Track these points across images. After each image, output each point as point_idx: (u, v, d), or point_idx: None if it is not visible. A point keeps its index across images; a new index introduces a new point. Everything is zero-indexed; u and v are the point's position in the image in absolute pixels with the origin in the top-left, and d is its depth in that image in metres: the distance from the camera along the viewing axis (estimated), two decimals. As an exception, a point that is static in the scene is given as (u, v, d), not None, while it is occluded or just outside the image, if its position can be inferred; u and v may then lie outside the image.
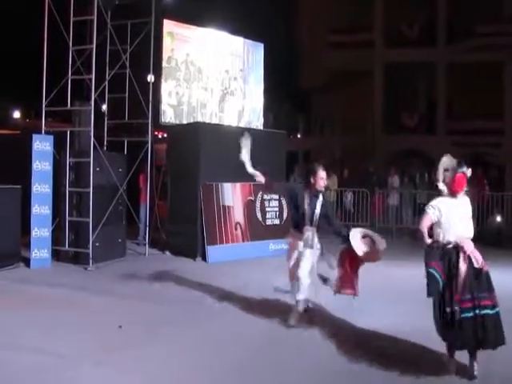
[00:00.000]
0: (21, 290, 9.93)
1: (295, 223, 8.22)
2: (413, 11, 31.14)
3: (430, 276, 6.27)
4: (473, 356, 6.16)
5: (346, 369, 6.44)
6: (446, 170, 6.53)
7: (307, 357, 6.80)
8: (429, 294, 6.26)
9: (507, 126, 29.87)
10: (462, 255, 6.23)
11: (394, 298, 9.70)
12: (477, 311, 6.06)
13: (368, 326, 7.96)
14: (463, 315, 6.05)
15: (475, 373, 6.11)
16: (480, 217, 18.24)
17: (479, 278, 6.21)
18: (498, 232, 17.19)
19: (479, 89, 28.37)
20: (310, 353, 6.96)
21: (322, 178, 7.92)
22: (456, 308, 6.07)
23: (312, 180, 7.86)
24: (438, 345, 6.58)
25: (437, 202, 6.47)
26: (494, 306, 6.16)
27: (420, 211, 18.71)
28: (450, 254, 6.27)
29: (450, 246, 6.30)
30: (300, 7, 32.29)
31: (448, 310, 6.13)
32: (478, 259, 6.25)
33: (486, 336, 6.05)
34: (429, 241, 6.43)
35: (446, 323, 6.18)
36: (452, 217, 6.34)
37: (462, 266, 6.18)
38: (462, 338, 6.11)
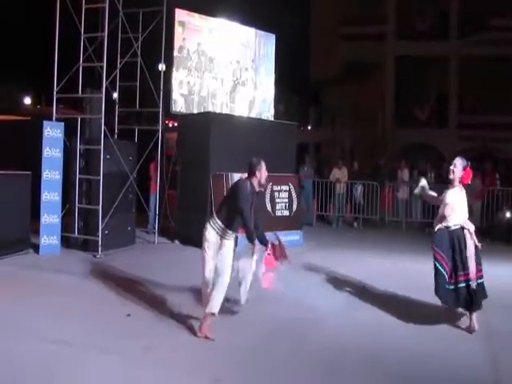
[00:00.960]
0: (29, 276, 9.95)
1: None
2: (425, 4, 30.98)
3: (437, 271, 7.69)
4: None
5: (344, 361, 6.45)
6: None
7: (310, 349, 6.81)
8: (436, 293, 7.67)
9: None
10: (468, 234, 7.67)
11: (401, 290, 9.67)
12: (478, 280, 7.67)
13: (371, 319, 7.97)
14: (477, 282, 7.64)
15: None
16: (489, 212, 18.19)
17: (477, 252, 7.75)
18: (508, 227, 17.11)
19: (491, 83, 28.25)
20: (312, 345, 6.97)
21: (265, 173, 7.34)
22: (471, 282, 7.58)
23: (257, 174, 7.20)
24: (441, 333, 6.64)
25: (453, 193, 7.76)
26: (482, 277, 7.76)
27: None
28: (458, 233, 7.68)
29: (457, 226, 7.70)
30: (312, -1, 32.23)
31: (462, 285, 7.62)
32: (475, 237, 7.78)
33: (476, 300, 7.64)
34: (438, 226, 7.80)
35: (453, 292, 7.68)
36: (461, 204, 7.76)
37: (471, 245, 7.65)
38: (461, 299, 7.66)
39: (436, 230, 7.83)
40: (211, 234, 7.22)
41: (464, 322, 7.82)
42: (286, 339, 7.15)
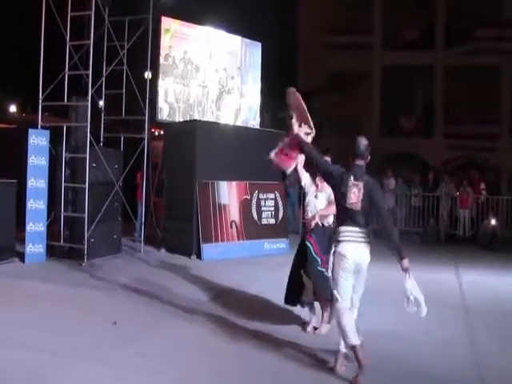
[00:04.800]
0: (14, 284, 9.86)
1: None
2: (411, 14, 31.13)
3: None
4: None
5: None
6: None
7: (301, 355, 6.79)
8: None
9: (504, 131, 29.95)
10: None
11: (389, 301, 9.69)
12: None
13: (360, 326, 7.95)
14: None
15: None
16: (476, 220, 18.33)
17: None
18: (493, 235, 17.20)
19: (477, 93, 28.40)
20: (305, 352, 6.94)
21: None
22: None
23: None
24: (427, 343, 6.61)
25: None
26: None
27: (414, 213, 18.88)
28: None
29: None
30: (299, 8, 32.26)
31: None
32: None
33: None
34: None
35: None
36: None
37: None
38: None
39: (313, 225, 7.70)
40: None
41: None
42: (275, 344, 7.13)
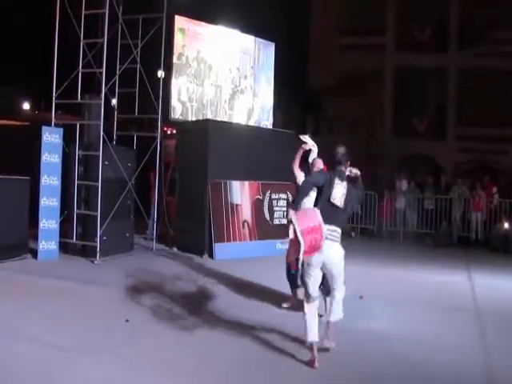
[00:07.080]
0: (27, 280, 9.89)
1: None
2: (425, 15, 31.02)
3: None
4: None
5: (345, 372, 6.40)
6: None
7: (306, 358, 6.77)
8: None
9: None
10: None
11: (401, 303, 9.66)
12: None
13: (371, 328, 7.92)
14: None
15: None
16: (488, 223, 18.25)
17: None
18: (506, 239, 17.12)
19: (490, 95, 28.27)
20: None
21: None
22: None
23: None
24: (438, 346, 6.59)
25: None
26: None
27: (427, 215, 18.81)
28: None
29: None
30: (312, 8, 32.22)
31: None
32: None
33: None
34: None
35: None
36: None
37: None
38: None
39: None
40: None
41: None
42: (284, 344, 7.11)
